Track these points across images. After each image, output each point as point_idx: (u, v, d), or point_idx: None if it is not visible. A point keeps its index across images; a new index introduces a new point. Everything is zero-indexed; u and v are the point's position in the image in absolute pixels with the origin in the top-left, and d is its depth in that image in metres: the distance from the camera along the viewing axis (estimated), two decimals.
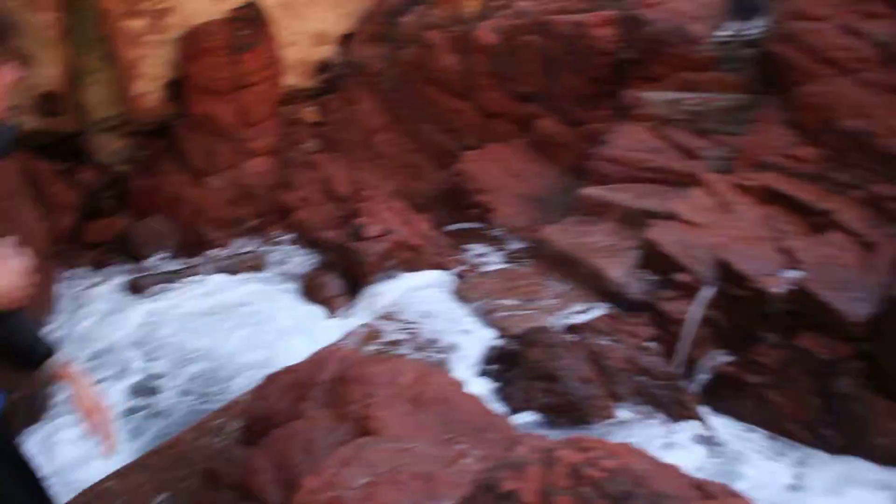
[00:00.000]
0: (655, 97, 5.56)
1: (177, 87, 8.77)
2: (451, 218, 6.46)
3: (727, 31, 5.58)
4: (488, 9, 7.68)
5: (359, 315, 5.22)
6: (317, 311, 5.71)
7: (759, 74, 5.14)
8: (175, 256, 7.43)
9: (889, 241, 3.82)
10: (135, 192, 8.25)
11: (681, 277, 4.00)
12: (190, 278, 6.63)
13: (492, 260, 5.54)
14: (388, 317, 4.82)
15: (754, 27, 5.32)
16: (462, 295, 4.82)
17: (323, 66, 9.63)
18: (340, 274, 5.81)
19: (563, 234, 4.92)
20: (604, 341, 4.03)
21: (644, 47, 5.83)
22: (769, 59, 4.88)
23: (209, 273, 6.74)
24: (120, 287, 6.66)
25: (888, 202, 4.02)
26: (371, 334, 4.63)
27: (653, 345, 4.03)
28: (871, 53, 4.46)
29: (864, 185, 4.16)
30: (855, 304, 3.54)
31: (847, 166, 4.28)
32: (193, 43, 8.37)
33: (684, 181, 4.95)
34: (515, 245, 5.66)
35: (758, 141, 4.76)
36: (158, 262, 7.30)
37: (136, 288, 6.53)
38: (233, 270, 6.80)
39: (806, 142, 4.56)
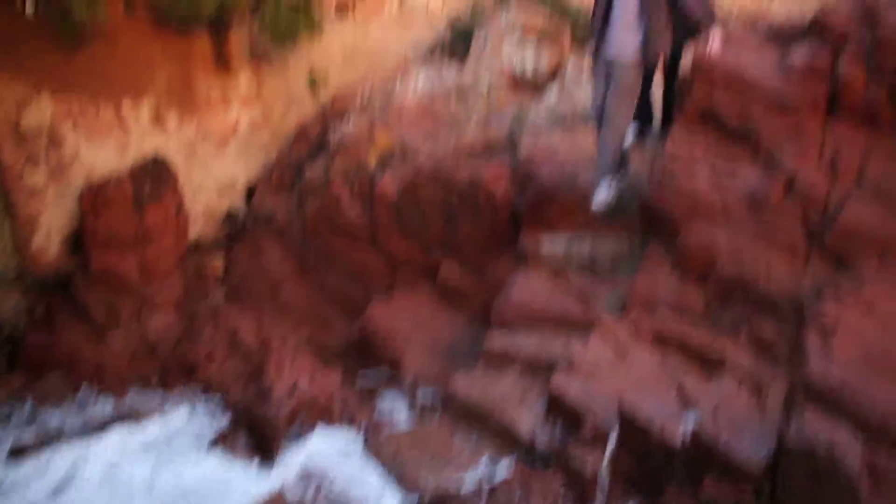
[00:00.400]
0: (551, 244, 5.81)
1: (78, 241, 8.61)
2: (360, 370, 6.42)
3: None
4: (388, 159, 7.99)
5: (267, 478, 5.03)
6: (222, 472, 5.46)
7: (642, 220, 5.48)
8: (72, 415, 7.03)
9: (778, 380, 4.03)
10: (31, 350, 7.87)
11: (587, 428, 4.07)
12: (85, 437, 6.22)
13: (402, 414, 5.50)
14: (296, 480, 4.68)
15: (623, 178, 5.62)
16: (372, 454, 4.74)
17: (229, 217, 9.68)
18: (248, 432, 5.63)
19: (472, 386, 4.96)
20: (517, 498, 4.01)
21: (537, 197, 6.15)
22: (648, 205, 5.23)
23: (105, 431, 6.36)
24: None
25: (772, 342, 4.26)
26: (278, 499, 4.48)
27: (568, 498, 4.03)
28: (740, 201, 4.84)
29: (750, 327, 4.41)
30: (752, 446, 3.68)
31: (732, 310, 4.54)
32: (95, 197, 8.32)
33: (584, 326, 5.13)
34: (426, 396, 5.65)
35: (648, 285, 5.01)
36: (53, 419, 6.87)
37: (18, 451, 6.08)
38: (132, 430, 6.45)
39: (692, 286, 4.83)
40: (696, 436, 3.74)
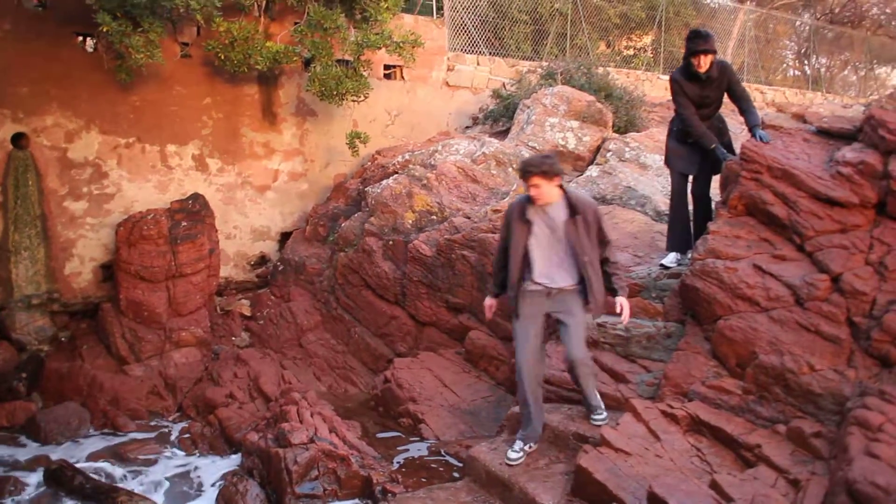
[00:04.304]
0: None
1: (110, 271, 8.72)
2: (380, 425, 6.34)
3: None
4: (425, 221, 8.07)
5: None
6: None
7: (680, 305, 5.44)
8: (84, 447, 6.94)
9: (815, 479, 3.90)
10: (51, 375, 7.88)
11: None
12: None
13: (421, 474, 5.39)
14: None
15: (686, 260, 5.73)
16: None
17: (261, 261, 9.78)
18: (261, 481, 5.53)
19: (494, 454, 4.86)
20: None
21: None
22: (689, 291, 5.19)
23: (114, 473, 6.25)
24: None
25: (812, 438, 4.15)
26: None
27: None
28: (783, 293, 4.80)
29: (787, 419, 4.31)
30: None
31: (769, 400, 4.44)
32: (132, 229, 8.45)
33: (613, 405, 5.06)
34: (446, 458, 5.55)
35: (682, 369, 4.93)
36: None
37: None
38: (143, 469, 6.36)
39: (728, 373, 4.75)
40: None
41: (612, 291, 4.65)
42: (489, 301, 4.97)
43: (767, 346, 4.58)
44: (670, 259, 5.99)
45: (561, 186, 4.50)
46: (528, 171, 4.39)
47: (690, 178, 5.99)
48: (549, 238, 4.52)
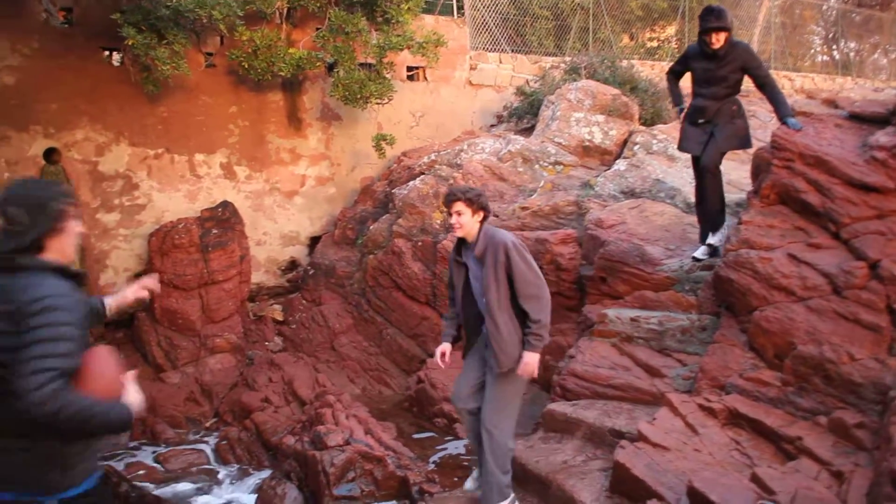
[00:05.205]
0: (617, 314, 5.73)
1: None
2: (415, 426, 6.35)
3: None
4: None
5: None
6: None
7: (714, 297, 5.37)
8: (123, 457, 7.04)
9: (859, 471, 3.83)
10: None
11: None
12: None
13: (456, 473, 5.39)
14: None
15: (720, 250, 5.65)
16: None
17: (291, 266, 9.85)
18: (299, 484, 5.57)
19: (530, 452, 4.84)
20: None
21: (603, 266, 6.10)
22: (724, 283, 5.12)
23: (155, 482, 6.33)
24: None
25: (854, 429, 4.07)
26: None
27: None
28: (820, 282, 4.71)
29: (828, 410, 4.23)
30: None
31: (809, 391, 4.37)
32: (164, 239, 8.57)
33: (649, 400, 5.01)
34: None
35: (719, 362, 4.87)
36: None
37: None
38: (181, 475, 6.45)
39: (766, 365, 4.68)
40: None
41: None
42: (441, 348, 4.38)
43: (805, 337, 4.50)
44: (702, 251, 5.90)
45: (481, 223, 4.09)
46: (451, 196, 4.02)
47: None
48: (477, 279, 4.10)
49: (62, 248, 2.42)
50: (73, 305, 2.29)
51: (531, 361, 3.99)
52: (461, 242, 4.19)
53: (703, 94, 5.66)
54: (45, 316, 2.19)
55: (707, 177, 5.77)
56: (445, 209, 4.15)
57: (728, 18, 5.44)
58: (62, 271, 2.37)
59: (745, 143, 5.72)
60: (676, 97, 6.04)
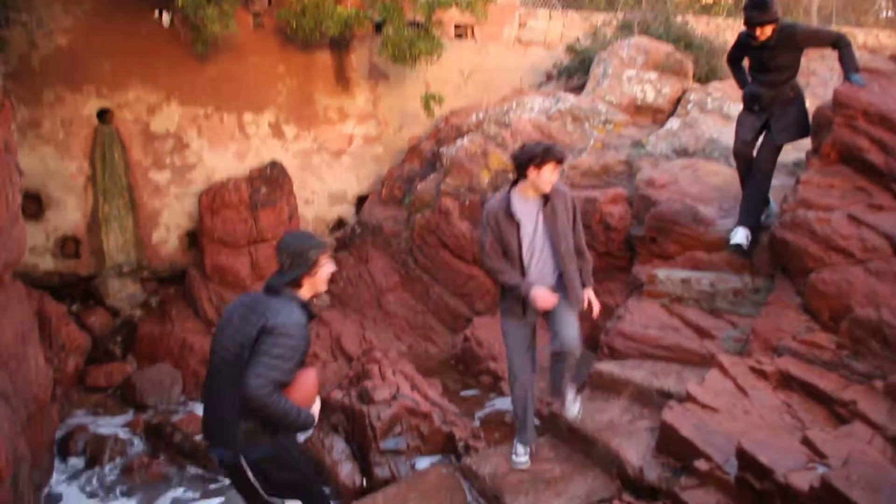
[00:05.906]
0: (668, 275, 5.64)
1: (194, 238, 9.02)
2: (461, 384, 6.39)
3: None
4: (501, 179, 8.00)
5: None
6: None
7: (769, 258, 5.24)
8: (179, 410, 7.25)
9: None
10: (143, 338, 8.26)
11: (701, 465, 3.88)
12: None
13: (501, 430, 5.42)
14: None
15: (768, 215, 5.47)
16: (469, 472, 4.67)
17: (338, 224, 9.92)
18: (346, 437, 5.67)
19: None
20: None
21: (654, 226, 6.00)
22: (779, 244, 4.99)
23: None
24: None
25: None
26: None
27: None
28: (880, 244, 4.56)
29: (885, 374, 4.13)
30: None
31: (865, 355, 4.26)
32: (214, 198, 8.70)
33: (698, 361, 4.95)
34: None
35: (772, 324, 4.78)
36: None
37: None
38: None
39: (821, 328, 4.57)
40: (823, 486, 3.49)
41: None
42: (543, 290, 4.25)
43: (863, 299, 4.38)
44: (741, 236, 5.37)
45: None
46: (560, 155, 4.13)
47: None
48: (538, 233, 4.25)
49: (314, 285, 3.26)
50: (303, 335, 3.09)
51: (593, 296, 4.45)
52: (508, 199, 4.23)
53: (759, 80, 5.35)
54: (283, 339, 2.99)
55: (758, 177, 5.46)
56: (541, 166, 4.09)
57: (772, 9, 5.05)
58: (305, 306, 3.20)
59: (802, 131, 5.37)
60: (742, 80, 5.61)
